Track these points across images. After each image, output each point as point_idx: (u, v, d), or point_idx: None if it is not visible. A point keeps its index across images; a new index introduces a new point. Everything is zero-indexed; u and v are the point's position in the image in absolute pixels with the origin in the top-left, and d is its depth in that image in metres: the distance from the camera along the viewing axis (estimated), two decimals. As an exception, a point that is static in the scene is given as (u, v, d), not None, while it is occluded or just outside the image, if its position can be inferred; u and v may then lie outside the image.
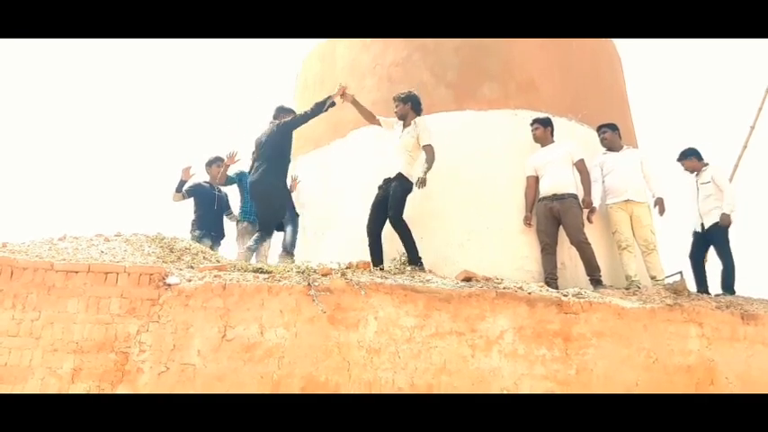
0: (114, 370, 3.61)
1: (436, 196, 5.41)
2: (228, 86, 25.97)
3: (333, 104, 5.50)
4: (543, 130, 5.45)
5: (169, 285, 3.83)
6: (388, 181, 5.28)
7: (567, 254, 5.29)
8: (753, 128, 6.85)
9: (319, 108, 5.52)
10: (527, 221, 5.27)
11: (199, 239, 6.18)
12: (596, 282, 4.89)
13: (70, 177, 22.41)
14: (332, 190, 5.89)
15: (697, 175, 5.94)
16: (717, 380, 4.02)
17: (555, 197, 5.16)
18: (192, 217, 6.49)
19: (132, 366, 3.61)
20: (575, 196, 5.20)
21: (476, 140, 5.50)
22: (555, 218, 5.14)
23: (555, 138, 5.48)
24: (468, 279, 4.34)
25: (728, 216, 5.62)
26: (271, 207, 5.42)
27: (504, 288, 4.12)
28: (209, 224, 6.43)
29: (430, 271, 4.78)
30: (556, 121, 5.72)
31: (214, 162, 6.65)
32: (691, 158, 5.97)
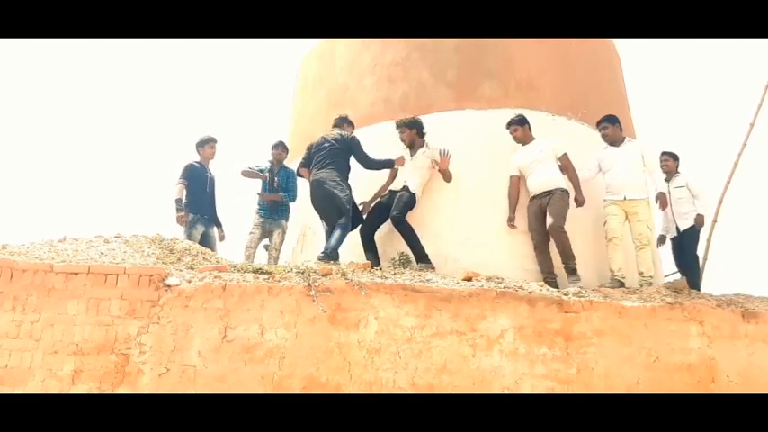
0: (115, 371, 3.61)
1: (437, 195, 5.42)
2: (228, 87, 25.96)
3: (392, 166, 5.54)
4: (522, 129, 5.37)
5: (169, 286, 3.83)
6: (393, 193, 5.39)
7: (568, 253, 5.28)
8: (752, 125, 6.83)
9: (384, 165, 5.52)
10: (510, 223, 5.23)
11: (192, 224, 6.09)
12: (571, 270, 4.86)
13: (70, 179, 22.41)
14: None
15: (669, 179, 5.97)
16: (718, 378, 4.01)
17: (544, 194, 5.14)
18: (184, 200, 6.20)
19: (133, 368, 3.61)
20: (563, 190, 5.15)
21: (476, 139, 5.49)
22: (543, 214, 5.11)
23: (536, 134, 5.41)
24: (468, 278, 4.33)
25: (703, 217, 5.84)
26: (333, 204, 5.28)
27: (504, 287, 4.11)
28: (201, 207, 6.25)
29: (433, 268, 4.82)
30: (556, 119, 5.72)
31: (207, 142, 6.48)
32: (669, 160, 6.09)
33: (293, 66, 7.55)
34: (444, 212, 5.35)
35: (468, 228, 5.25)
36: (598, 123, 5.57)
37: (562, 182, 5.20)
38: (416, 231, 5.11)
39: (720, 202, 6.81)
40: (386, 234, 5.37)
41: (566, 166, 5.29)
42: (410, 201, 5.26)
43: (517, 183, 5.34)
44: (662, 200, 5.32)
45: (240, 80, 25.69)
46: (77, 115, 23.75)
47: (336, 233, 5.11)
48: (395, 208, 5.19)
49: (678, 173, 6.01)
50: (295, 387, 3.61)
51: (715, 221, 6.73)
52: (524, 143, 5.39)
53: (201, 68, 25.77)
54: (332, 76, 6.49)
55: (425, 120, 5.55)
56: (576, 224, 5.35)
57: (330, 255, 4.91)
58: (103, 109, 24.04)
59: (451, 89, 5.79)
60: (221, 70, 26.08)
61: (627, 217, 5.30)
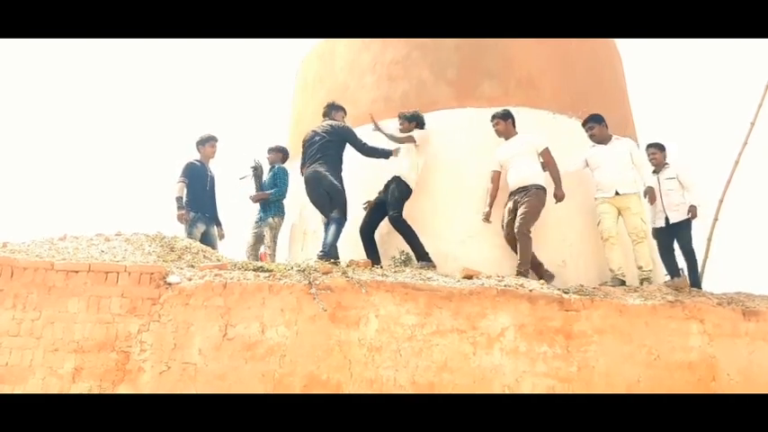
0: (115, 369, 3.61)
1: (437, 193, 5.42)
2: (228, 87, 25.97)
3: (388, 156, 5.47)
4: (504, 123, 5.34)
5: (170, 284, 3.83)
6: (388, 186, 5.37)
7: (568, 251, 5.29)
8: (753, 124, 6.82)
9: (382, 155, 5.44)
10: (486, 217, 5.19)
11: (192, 222, 6.07)
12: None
13: (70, 177, 22.43)
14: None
15: (658, 171, 5.82)
16: (718, 376, 4.02)
17: (520, 190, 5.09)
18: (185, 198, 6.16)
19: (133, 366, 3.61)
20: (539, 187, 5.08)
21: (476, 138, 5.49)
22: (516, 210, 5.07)
23: (519, 129, 5.37)
24: (469, 276, 4.33)
25: (696, 208, 5.61)
26: (328, 196, 5.27)
27: (505, 285, 4.11)
28: (202, 205, 6.24)
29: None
30: (556, 118, 5.72)
31: (207, 141, 6.46)
32: (657, 152, 5.90)
33: (293, 66, 7.55)
34: (445, 211, 5.35)
35: (469, 226, 5.25)
36: (584, 123, 5.52)
37: (540, 178, 5.13)
38: (417, 230, 5.10)
39: (721, 200, 6.80)
40: (386, 233, 5.37)
41: (547, 161, 5.22)
42: (403, 192, 5.23)
43: (497, 178, 5.31)
44: (650, 194, 5.24)
45: (240, 80, 25.70)
46: (78, 114, 23.77)
47: (331, 228, 5.08)
48: (390, 206, 5.18)
49: (667, 164, 5.87)
50: (296, 385, 3.61)
51: (716, 220, 6.73)
52: (506, 137, 5.36)
53: (201, 68, 25.78)
54: (332, 75, 6.49)
55: (426, 118, 5.55)
56: (574, 223, 5.35)
57: (329, 252, 4.88)
58: (104, 108, 24.05)
59: (452, 87, 5.79)
60: (221, 70, 26.10)
61: (620, 213, 5.26)
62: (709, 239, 6.67)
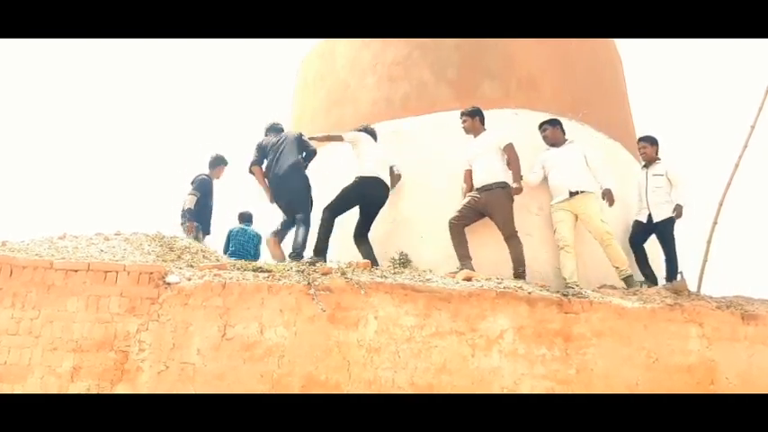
0: (114, 369, 3.60)
1: (436, 195, 5.42)
2: (228, 86, 25.97)
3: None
4: (471, 120, 5.33)
5: (169, 284, 3.82)
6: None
7: (567, 253, 5.27)
8: (753, 127, 6.80)
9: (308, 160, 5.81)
10: None
11: (196, 231, 6.34)
12: (518, 276, 4.79)
13: (70, 177, 22.41)
14: (329, 191, 5.86)
15: (648, 166, 5.71)
16: (717, 380, 4.01)
17: (483, 189, 5.08)
18: (191, 207, 6.54)
19: (132, 365, 3.60)
20: (502, 185, 5.05)
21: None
22: (474, 208, 5.08)
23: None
24: (468, 278, 4.33)
25: (682, 208, 5.45)
26: (290, 194, 5.62)
27: (504, 287, 4.11)
28: (205, 218, 6.66)
29: (425, 270, 4.81)
30: (556, 120, 5.71)
31: (220, 164, 6.94)
32: (647, 146, 5.76)
33: (293, 66, 7.55)
34: (444, 212, 5.33)
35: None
36: (540, 126, 5.50)
37: (501, 175, 5.10)
38: (416, 230, 5.13)
39: (721, 203, 6.77)
40: (386, 234, 5.37)
41: (509, 156, 5.18)
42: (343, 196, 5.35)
43: (468, 176, 5.30)
44: (608, 196, 5.13)
45: (240, 80, 25.70)
46: (78, 114, 23.77)
47: (301, 230, 5.36)
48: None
49: (659, 159, 5.70)
50: (294, 386, 3.60)
51: (715, 223, 6.71)
52: (474, 135, 5.35)
53: (201, 68, 25.78)
54: (333, 74, 6.49)
55: (427, 119, 5.56)
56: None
57: (301, 252, 5.19)
58: (104, 108, 24.05)
59: (452, 88, 5.79)
60: (221, 70, 26.09)
61: (578, 218, 5.18)
62: (709, 242, 6.64)
